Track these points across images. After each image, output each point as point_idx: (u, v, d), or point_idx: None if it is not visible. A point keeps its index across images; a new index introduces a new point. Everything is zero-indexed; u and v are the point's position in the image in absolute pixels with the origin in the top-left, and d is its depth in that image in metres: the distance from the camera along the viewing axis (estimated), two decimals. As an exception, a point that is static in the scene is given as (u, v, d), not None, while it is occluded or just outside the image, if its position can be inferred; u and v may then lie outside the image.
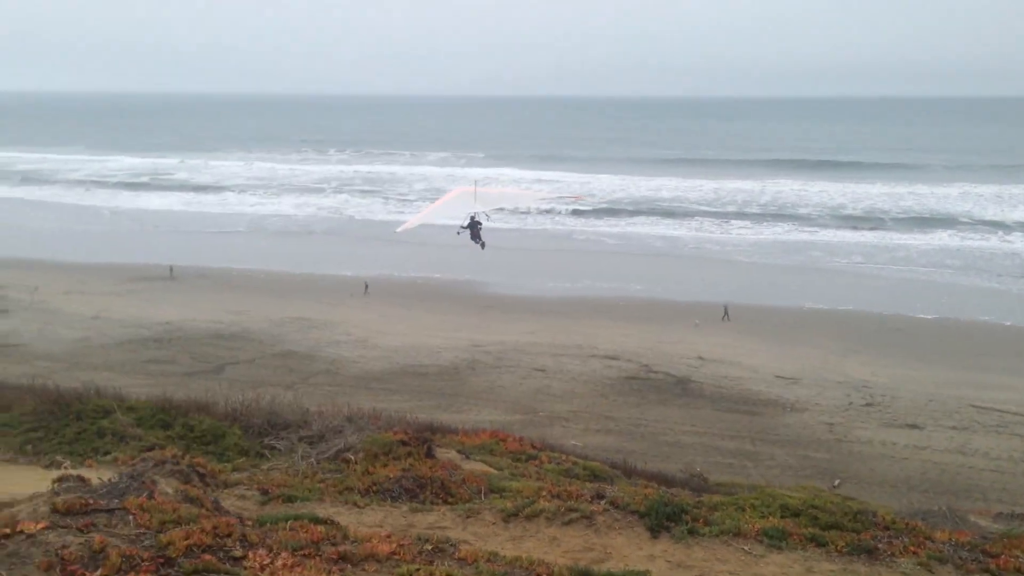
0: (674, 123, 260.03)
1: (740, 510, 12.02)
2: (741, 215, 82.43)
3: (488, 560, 9.63)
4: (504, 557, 9.85)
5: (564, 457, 18.45)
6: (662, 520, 11.04)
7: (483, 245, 22.23)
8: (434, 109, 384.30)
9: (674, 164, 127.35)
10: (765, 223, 78.42)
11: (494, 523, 11.53)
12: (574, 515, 11.51)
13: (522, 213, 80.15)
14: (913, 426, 30.77)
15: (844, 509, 12.24)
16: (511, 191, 23.74)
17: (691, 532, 10.84)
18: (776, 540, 10.67)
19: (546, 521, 11.45)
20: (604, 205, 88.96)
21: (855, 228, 76.18)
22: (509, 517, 11.61)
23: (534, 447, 19.24)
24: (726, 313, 44.63)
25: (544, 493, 12.94)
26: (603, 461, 19.62)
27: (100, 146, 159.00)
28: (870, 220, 79.96)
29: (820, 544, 10.75)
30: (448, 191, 24.69)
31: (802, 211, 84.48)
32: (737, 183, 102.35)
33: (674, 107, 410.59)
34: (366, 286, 50.82)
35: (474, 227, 22.32)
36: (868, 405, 32.92)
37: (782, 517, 11.71)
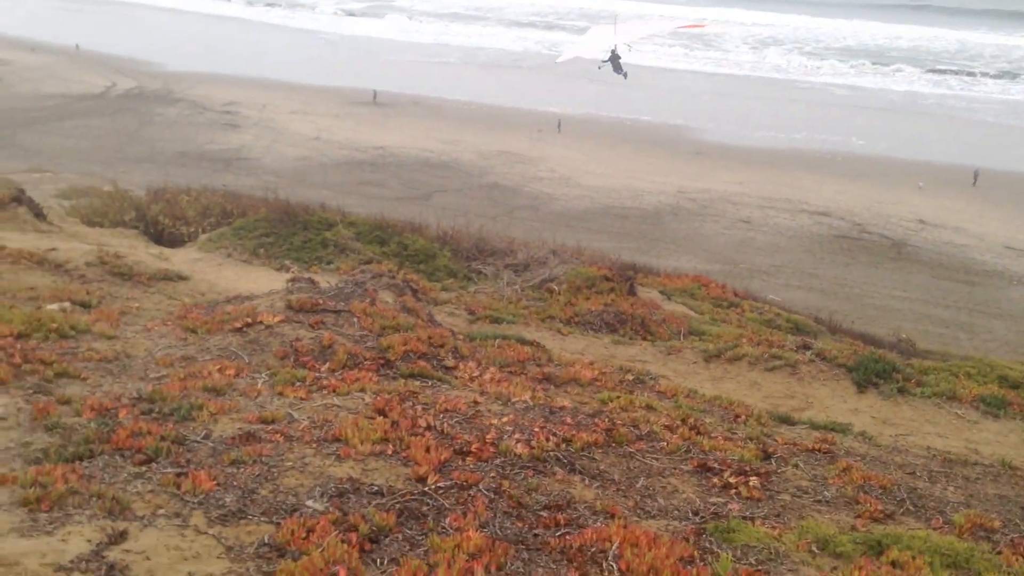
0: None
1: (954, 376, 11.50)
2: (988, 73, 74.47)
3: (688, 395, 9.77)
4: (703, 395, 9.96)
5: (767, 308, 18.15)
6: (870, 376, 10.75)
7: (625, 75, 23.45)
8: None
9: (916, 11, 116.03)
10: (1018, 82, 70.62)
11: (695, 362, 11.62)
12: (777, 362, 11.41)
13: (745, 56, 76.63)
14: None
15: (1070, 387, 11.48)
16: (644, 23, 25.05)
17: (901, 391, 10.52)
18: (994, 408, 10.18)
19: (748, 365, 11.42)
20: (831, 52, 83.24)
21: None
22: (710, 358, 11.66)
23: (736, 295, 19.02)
24: (976, 178, 40.89)
25: (745, 339, 12.84)
26: (807, 316, 19.15)
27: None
28: None
29: (1041, 417, 10.18)
30: (589, 31, 26.17)
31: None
32: (985, 36, 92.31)
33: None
34: (559, 123, 50.46)
35: (615, 60, 23.33)
36: (1108, 288, 30.17)
37: (1000, 387, 11.12)
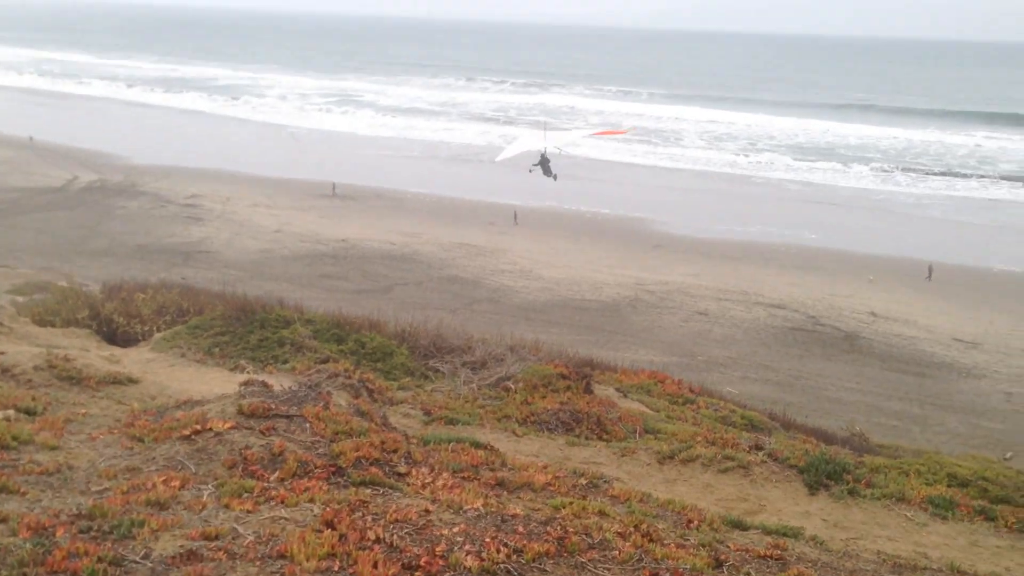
0: (881, 66, 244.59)
1: (904, 475, 11.65)
2: (934, 171, 76.82)
3: (641, 500, 9.75)
4: (657, 499, 9.94)
5: (722, 404, 18.26)
6: (821, 477, 10.84)
7: (555, 177, 25.71)
8: (616, 41, 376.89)
9: (863, 111, 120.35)
10: (963, 179, 73.00)
11: (648, 464, 11.62)
12: (730, 463, 11.46)
13: (701, 152, 79.07)
14: (1107, 405, 28.56)
15: (1017, 483, 11.64)
16: (565, 132, 28.35)
17: (851, 492, 10.61)
18: (942, 509, 10.28)
19: (701, 467, 11.45)
20: (783, 148, 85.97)
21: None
22: (664, 459, 11.68)
23: (692, 391, 19.12)
24: (930, 272, 41.69)
25: (700, 438, 12.92)
26: (761, 411, 19.29)
27: (293, 65, 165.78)
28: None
29: (989, 518, 10.30)
30: (519, 137, 28.97)
31: (1005, 167, 78.39)
32: (930, 135, 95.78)
33: (903, 48, 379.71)
34: (515, 215, 51.25)
35: (545, 163, 25.68)
36: (1057, 378, 30.76)
37: (949, 486, 11.26)
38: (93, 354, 14.79)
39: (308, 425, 10.05)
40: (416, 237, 46.39)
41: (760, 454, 11.68)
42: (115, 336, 19.74)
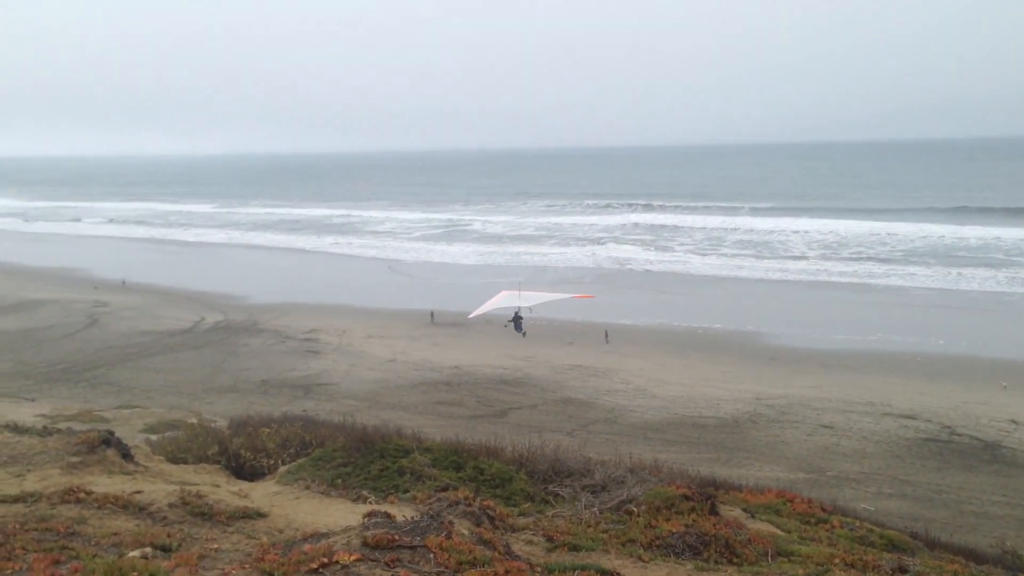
0: (996, 165, 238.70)
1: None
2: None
3: (779, 629, 9.25)
4: (796, 627, 9.42)
5: (858, 523, 17.30)
6: (975, 602, 10.07)
7: (524, 334, 29.95)
8: (721, 157, 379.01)
9: (982, 213, 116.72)
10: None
11: (784, 589, 11.05)
12: (872, 588, 10.79)
13: (812, 263, 78.28)
14: None
15: None
16: (539, 293, 30.97)
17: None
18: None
19: (841, 592, 10.82)
20: (900, 254, 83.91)
21: None
22: (800, 584, 11.10)
23: (824, 510, 18.23)
24: None
25: (838, 560, 12.25)
26: (901, 530, 18.19)
27: (402, 201, 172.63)
28: None
29: None
30: (499, 293, 32.01)
31: None
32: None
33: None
34: (606, 334, 51.10)
35: (517, 320, 29.60)
36: None
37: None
38: (223, 490, 15.20)
39: (432, 555, 10.02)
40: (528, 360, 46.59)
41: (905, 576, 10.99)
42: (243, 470, 20.27)
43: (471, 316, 32.25)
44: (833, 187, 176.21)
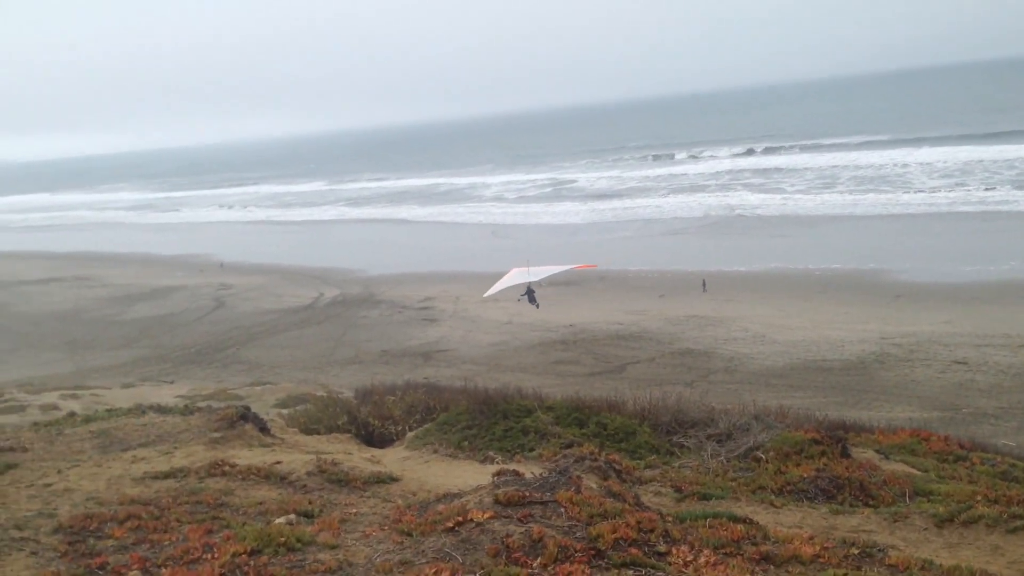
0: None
1: None
2: None
3: (923, 568, 9.02)
4: (940, 565, 9.17)
5: (999, 458, 16.63)
6: None
7: (537, 305, 32.40)
8: (828, 91, 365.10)
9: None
10: None
11: (925, 528, 10.76)
12: (1020, 523, 10.39)
13: (933, 195, 74.89)
14: None
15: None
16: (546, 267, 31.24)
17: None
18: None
19: (986, 528, 10.46)
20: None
21: None
22: (942, 522, 10.77)
23: (962, 447, 17.59)
24: None
25: (980, 497, 11.82)
26: (1049, 463, 17.41)
27: (507, 163, 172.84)
28: None
29: None
30: (510, 271, 33.22)
31: None
32: None
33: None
34: (703, 283, 50.19)
35: (531, 293, 31.55)
36: None
37: None
38: (356, 457, 15.73)
39: (563, 510, 10.14)
40: (642, 314, 46.30)
41: (1055, 510, 10.54)
42: (372, 438, 20.93)
43: (486, 296, 34.28)
44: (955, 112, 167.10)
